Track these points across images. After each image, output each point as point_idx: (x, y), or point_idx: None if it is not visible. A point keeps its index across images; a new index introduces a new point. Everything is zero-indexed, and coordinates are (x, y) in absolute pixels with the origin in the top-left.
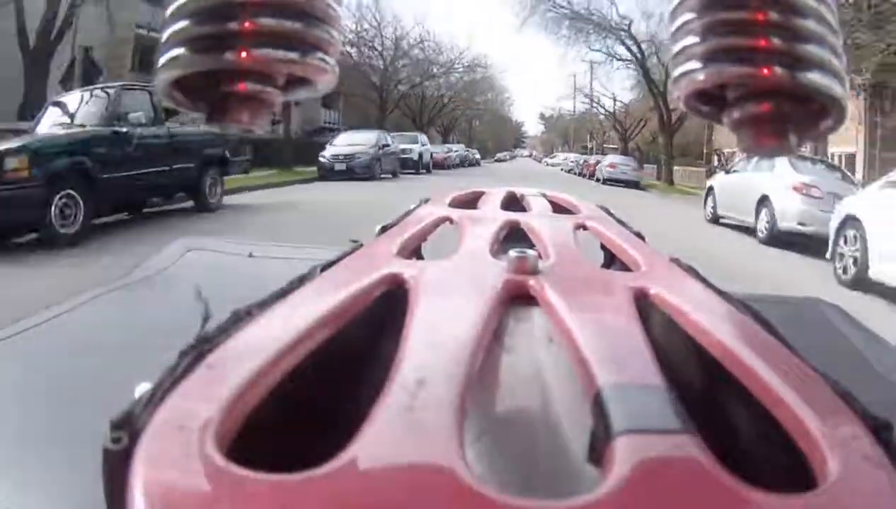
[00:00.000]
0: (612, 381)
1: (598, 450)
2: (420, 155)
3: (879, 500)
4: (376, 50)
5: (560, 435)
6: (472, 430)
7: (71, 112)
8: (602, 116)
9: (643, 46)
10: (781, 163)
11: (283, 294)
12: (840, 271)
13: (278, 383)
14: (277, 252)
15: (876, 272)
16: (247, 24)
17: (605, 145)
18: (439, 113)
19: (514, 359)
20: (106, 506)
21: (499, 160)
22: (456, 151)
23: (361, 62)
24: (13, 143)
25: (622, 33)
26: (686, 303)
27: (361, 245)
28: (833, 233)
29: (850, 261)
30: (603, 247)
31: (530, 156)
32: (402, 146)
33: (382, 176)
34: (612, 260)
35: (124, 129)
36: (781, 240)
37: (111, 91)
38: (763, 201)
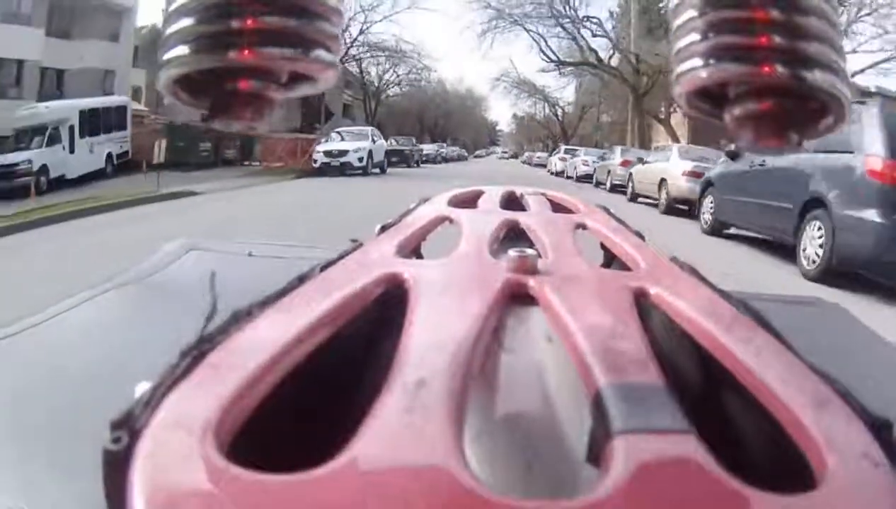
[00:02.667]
0: (611, 381)
1: (597, 450)
2: (445, 153)
3: (879, 500)
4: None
5: (559, 435)
6: (472, 430)
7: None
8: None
9: (552, 99)
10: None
11: (282, 293)
12: (627, 195)
13: (278, 383)
14: (277, 251)
15: (637, 191)
16: (249, 22)
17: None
18: (443, 128)
19: (513, 359)
20: (106, 506)
21: (477, 156)
22: (454, 150)
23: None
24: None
25: (543, 95)
26: (685, 302)
27: (361, 244)
28: (626, 180)
29: (630, 189)
30: (602, 246)
31: (507, 152)
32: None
33: (439, 162)
34: (611, 259)
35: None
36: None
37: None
38: (571, 154)
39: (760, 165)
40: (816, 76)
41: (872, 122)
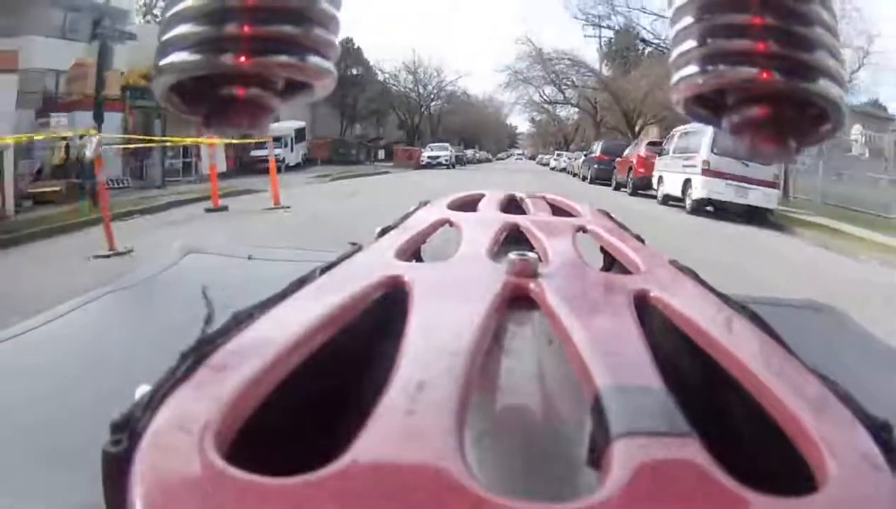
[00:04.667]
0: (611, 384)
1: (598, 453)
2: (477, 156)
3: (878, 502)
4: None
5: (560, 438)
6: (473, 432)
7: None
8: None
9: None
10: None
11: (282, 296)
12: (570, 174)
13: (278, 385)
14: (277, 254)
15: (573, 172)
16: (245, 29)
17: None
18: (473, 137)
19: (513, 362)
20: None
21: (499, 158)
22: (483, 154)
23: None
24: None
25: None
26: (685, 305)
27: (361, 247)
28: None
29: (571, 171)
30: (603, 249)
31: (522, 154)
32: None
33: (474, 163)
34: (611, 262)
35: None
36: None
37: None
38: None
39: (587, 157)
40: (815, 83)
41: (598, 144)
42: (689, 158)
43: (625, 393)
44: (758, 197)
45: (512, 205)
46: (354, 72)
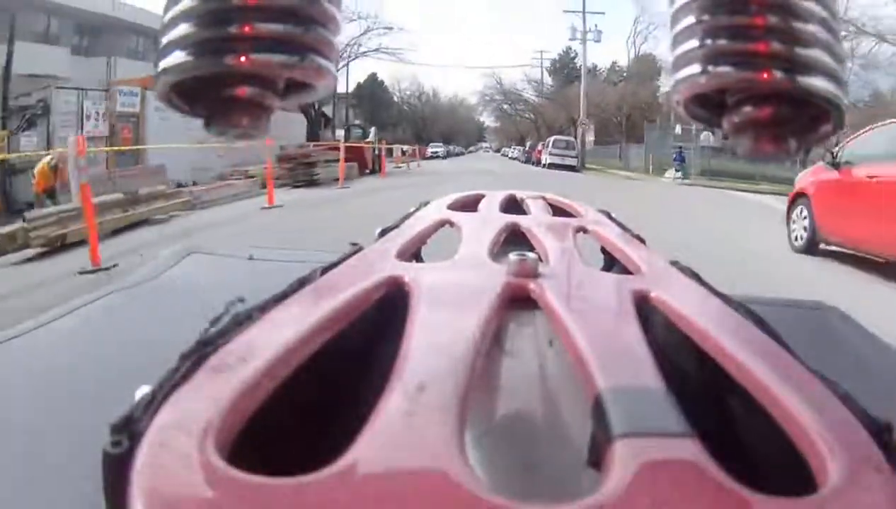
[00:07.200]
0: (612, 384)
1: (598, 453)
2: (455, 150)
3: (878, 503)
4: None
5: (560, 439)
6: (473, 434)
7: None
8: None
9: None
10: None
11: (283, 297)
12: (518, 161)
13: (279, 386)
14: (277, 255)
15: (516, 158)
16: (246, 28)
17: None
18: (449, 133)
19: (514, 363)
20: None
21: (471, 151)
22: (459, 148)
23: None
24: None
25: (513, 121)
26: (686, 306)
27: (361, 248)
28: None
29: (518, 158)
30: (603, 250)
31: (489, 147)
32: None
33: (453, 156)
34: (612, 263)
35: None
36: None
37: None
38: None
39: (523, 150)
40: (815, 82)
41: (529, 143)
42: (546, 149)
43: (625, 393)
44: (569, 161)
45: (512, 205)
46: (379, 94)
